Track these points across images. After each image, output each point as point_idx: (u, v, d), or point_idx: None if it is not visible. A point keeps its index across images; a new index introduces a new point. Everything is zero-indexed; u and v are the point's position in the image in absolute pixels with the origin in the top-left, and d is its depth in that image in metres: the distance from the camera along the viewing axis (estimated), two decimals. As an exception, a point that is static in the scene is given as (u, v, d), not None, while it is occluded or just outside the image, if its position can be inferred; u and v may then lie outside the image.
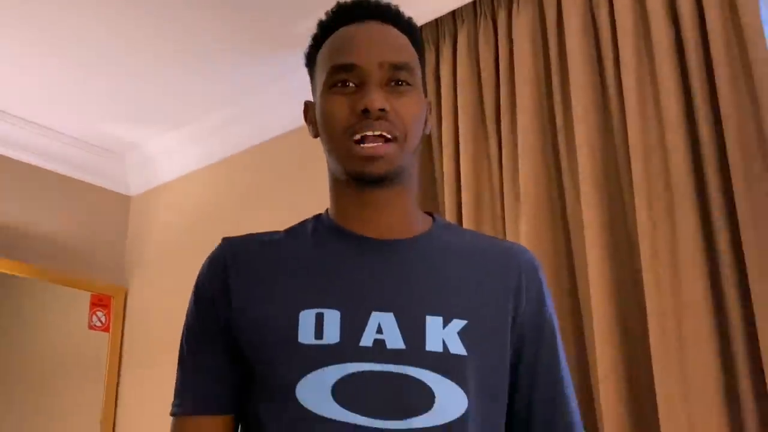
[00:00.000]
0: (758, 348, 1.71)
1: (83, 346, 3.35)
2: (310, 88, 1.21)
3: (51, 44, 2.76)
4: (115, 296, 3.42)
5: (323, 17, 1.14)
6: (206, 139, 3.36)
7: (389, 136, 1.00)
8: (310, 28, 1.19)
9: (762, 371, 1.71)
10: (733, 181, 1.81)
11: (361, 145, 0.99)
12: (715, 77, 1.89)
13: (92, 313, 3.34)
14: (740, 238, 1.78)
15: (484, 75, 2.38)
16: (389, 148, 1.01)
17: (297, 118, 3.11)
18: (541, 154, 2.17)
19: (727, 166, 1.84)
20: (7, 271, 3.10)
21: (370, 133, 0.99)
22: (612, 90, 2.12)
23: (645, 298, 1.88)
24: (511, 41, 2.33)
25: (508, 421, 1.11)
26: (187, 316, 1.13)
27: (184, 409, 1.07)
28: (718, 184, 1.85)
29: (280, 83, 2.99)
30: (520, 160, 2.19)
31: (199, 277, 1.12)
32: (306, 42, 1.20)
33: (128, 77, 2.96)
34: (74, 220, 3.41)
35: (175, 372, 1.11)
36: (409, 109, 1.04)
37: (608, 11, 2.15)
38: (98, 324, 3.33)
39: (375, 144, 1.00)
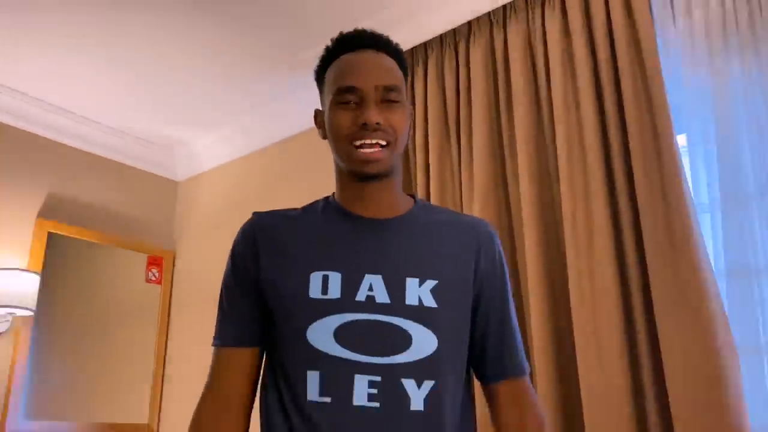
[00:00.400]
0: (651, 299, 1.75)
1: (141, 296, 3.41)
2: (317, 99, 1.22)
3: (121, 65, 2.80)
4: (165, 257, 3.52)
5: (329, 44, 1.15)
6: (237, 137, 3.39)
7: (384, 143, 1.04)
8: (317, 53, 1.20)
9: (653, 314, 1.75)
10: (636, 178, 1.85)
11: (361, 150, 1.03)
12: (623, 95, 1.92)
13: (148, 270, 3.43)
14: (639, 220, 1.82)
15: (447, 94, 2.39)
16: (383, 154, 1.05)
17: (309, 122, 3.17)
18: (490, 156, 2.19)
19: (630, 164, 1.88)
20: (86, 238, 3.21)
21: (368, 141, 1.03)
22: (544, 105, 2.13)
23: (567, 261, 1.94)
24: (468, 68, 2.35)
25: (468, 357, 1.16)
26: (225, 273, 1.16)
27: (223, 342, 1.12)
28: (623, 174, 1.89)
29: (295, 94, 2.98)
30: (474, 160, 2.22)
31: (234, 243, 1.16)
32: (312, 64, 1.23)
33: (176, 90, 3.01)
34: (136, 199, 3.48)
35: (215, 315, 1.16)
36: (398, 122, 1.07)
37: (542, 44, 2.16)
38: (153, 278, 3.43)
39: (372, 150, 1.03)
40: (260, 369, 1.14)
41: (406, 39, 2.41)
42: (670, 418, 1.67)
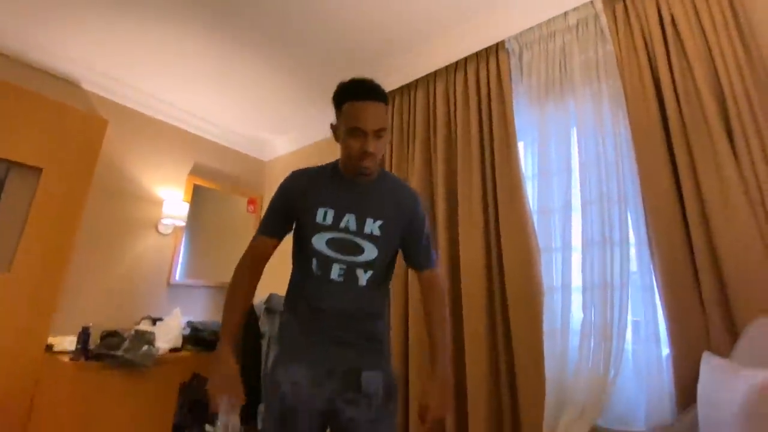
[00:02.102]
0: (499, 228, 1.71)
1: (244, 219, 3.33)
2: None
3: (232, 87, 2.67)
4: (257, 198, 3.42)
5: (345, 84, 1.04)
6: (298, 136, 3.27)
7: (373, 162, 1.03)
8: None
9: (499, 232, 1.71)
10: (496, 164, 1.80)
11: (362, 165, 1.02)
12: (492, 119, 1.86)
13: (248, 205, 3.37)
14: (496, 184, 1.77)
15: (404, 127, 2.27)
16: (372, 168, 1.04)
17: None
18: (423, 165, 2.10)
19: (494, 157, 1.83)
20: (214, 188, 3.13)
21: (366, 162, 1.02)
22: (453, 128, 2.05)
23: (458, 211, 1.88)
24: (415, 109, 2.25)
25: (406, 258, 1.14)
26: (272, 198, 1.13)
27: (261, 232, 1.11)
28: (490, 164, 1.85)
29: (331, 111, 2.92)
30: (415, 165, 2.12)
31: (280, 185, 1.13)
32: None
33: (264, 104, 2.86)
34: (242, 169, 3.40)
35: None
36: (381, 148, 1.04)
37: (453, 94, 2.07)
38: (251, 210, 3.37)
39: (369, 168, 1.02)
40: (274, 250, 1.11)
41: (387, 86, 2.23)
42: (505, 289, 1.65)
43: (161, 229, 2.80)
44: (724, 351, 1.17)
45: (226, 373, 0.92)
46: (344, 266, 1.03)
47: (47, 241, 2.11)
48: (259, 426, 1.92)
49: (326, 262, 1.03)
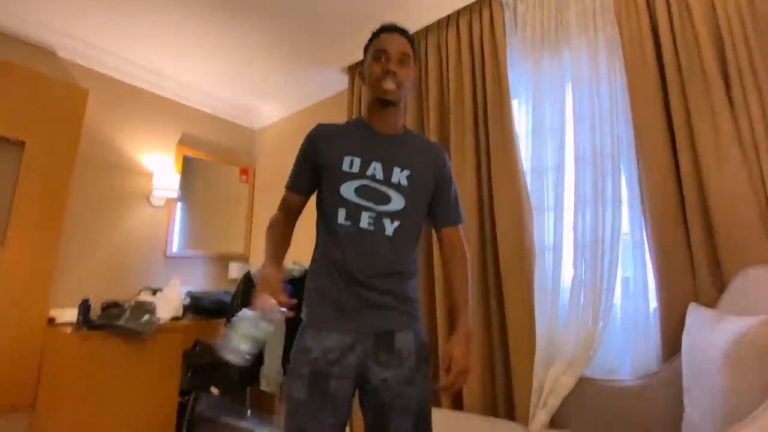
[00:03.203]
0: (491, 187, 1.69)
1: (238, 190, 3.31)
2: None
3: (223, 56, 2.59)
4: (250, 168, 3.38)
5: (374, 30, 1.09)
6: (286, 104, 3.20)
7: (396, 83, 1.02)
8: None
9: (492, 191, 1.69)
10: (489, 119, 1.75)
11: (384, 84, 1.02)
12: (485, 75, 1.81)
13: (241, 175, 3.34)
14: (489, 142, 1.73)
15: (423, 79, 2.08)
16: (394, 88, 1.03)
17: (323, 95, 2.95)
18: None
19: (487, 112, 1.77)
20: (204, 158, 3.09)
21: (389, 81, 1.02)
22: (445, 86, 1.97)
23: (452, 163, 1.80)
24: (428, 69, 2.06)
25: (429, 214, 1.12)
26: (299, 151, 1.10)
27: (289, 187, 1.11)
28: (483, 118, 1.78)
29: (318, 78, 2.74)
30: (430, 115, 1.98)
31: (306, 137, 1.10)
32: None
33: (254, 74, 2.78)
34: (232, 138, 3.35)
35: (278, 200, 1.12)
36: (405, 75, 1.04)
37: (446, 51, 1.98)
38: (243, 180, 3.34)
39: (389, 86, 1.02)
40: (303, 206, 1.13)
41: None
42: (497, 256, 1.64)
43: (153, 201, 2.78)
44: (711, 303, 1.18)
45: (267, 277, 0.94)
46: (373, 214, 1.00)
47: (38, 215, 2.12)
48: (262, 386, 2.00)
49: (356, 210, 1.00)
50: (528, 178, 1.66)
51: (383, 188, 1.03)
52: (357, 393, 0.99)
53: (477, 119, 1.84)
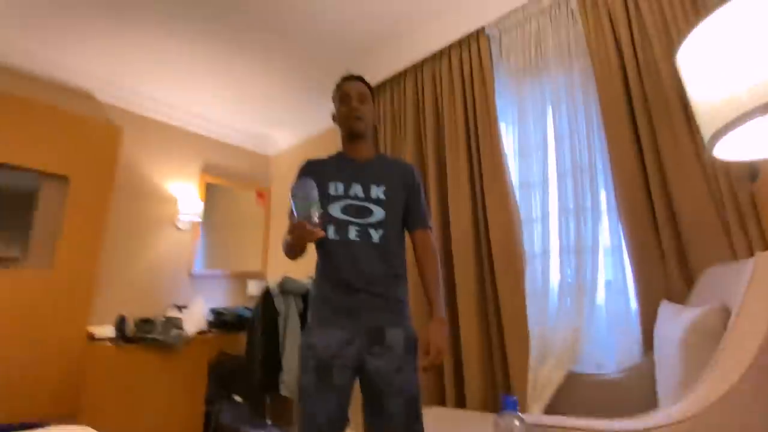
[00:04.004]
0: (485, 201, 1.78)
1: (254, 211, 3.45)
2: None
3: (238, 89, 2.78)
4: (265, 192, 3.53)
5: (339, 81, 1.27)
6: (298, 132, 3.37)
7: (360, 116, 1.18)
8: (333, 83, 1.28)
9: (485, 203, 1.78)
10: (480, 142, 1.88)
11: (353, 123, 1.18)
12: (475, 101, 1.94)
13: (257, 198, 3.49)
14: (481, 163, 1.84)
15: (396, 115, 2.34)
16: (363, 125, 1.19)
17: (332, 124, 3.13)
18: (415, 148, 2.18)
19: (478, 135, 1.88)
20: (225, 184, 3.25)
21: (356, 118, 1.18)
22: (441, 112, 2.11)
23: (447, 181, 1.96)
24: (405, 97, 2.31)
25: (404, 221, 1.23)
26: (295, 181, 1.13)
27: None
28: (475, 141, 1.92)
29: (326, 108, 2.61)
30: (407, 148, 2.18)
31: (299, 171, 1.25)
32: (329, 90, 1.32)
33: (267, 104, 2.95)
34: (249, 164, 3.49)
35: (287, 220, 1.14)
36: (368, 113, 1.20)
37: (440, 81, 2.12)
38: (259, 203, 3.49)
39: (359, 126, 1.18)
40: None
41: (379, 77, 2.43)
42: (491, 257, 1.74)
43: (179, 225, 2.97)
44: (682, 300, 1.29)
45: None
46: (359, 227, 1.12)
47: (80, 241, 2.35)
48: (282, 391, 2.14)
49: (344, 226, 1.12)
50: (517, 192, 1.79)
51: (365, 204, 1.15)
52: (358, 381, 1.12)
53: (469, 141, 1.98)
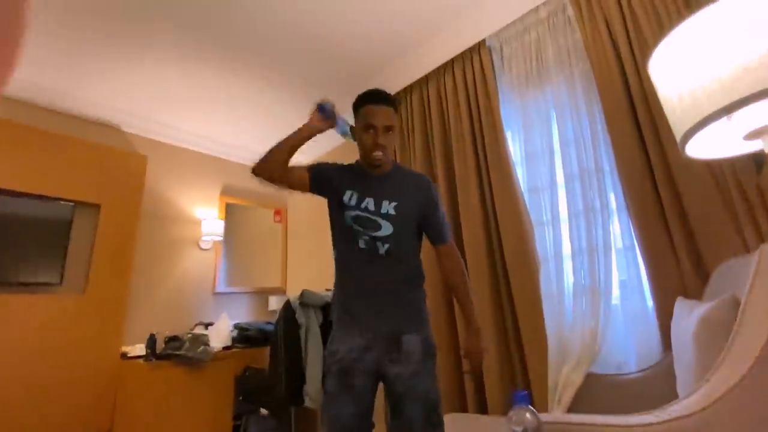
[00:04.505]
0: (494, 205, 1.81)
1: (271, 229, 3.54)
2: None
3: (249, 118, 2.85)
4: (282, 209, 3.61)
5: (363, 93, 1.20)
6: (312, 150, 2.98)
7: (383, 153, 1.16)
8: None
9: (495, 209, 1.81)
10: (487, 151, 1.91)
11: (374, 155, 1.16)
12: (480, 111, 1.96)
13: (275, 216, 3.57)
14: (489, 171, 1.88)
15: (404, 127, 2.41)
16: (383, 158, 1.16)
17: (336, 144, 3.14)
18: (423, 159, 2.24)
19: (485, 143, 1.93)
20: (243, 204, 3.36)
21: (378, 152, 1.15)
22: (447, 123, 2.14)
23: (457, 191, 1.97)
24: (412, 110, 2.40)
25: (426, 235, 1.23)
26: (322, 163, 1.25)
27: (307, 168, 1.24)
28: (482, 150, 1.95)
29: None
30: (416, 159, 2.26)
31: (319, 162, 1.26)
32: (350, 107, 1.25)
33: (283, 127, 2.68)
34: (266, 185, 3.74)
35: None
36: (390, 143, 1.17)
37: (445, 96, 2.18)
38: (278, 220, 3.57)
39: (380, 157, 1.15)
40: (298, 179, 1.21)
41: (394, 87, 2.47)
42: (504, 261, 1.78)
43: (202, 245, 3.10)
44: (698, 296, 1.28)
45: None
46: (367, 238, 1.14)
47: (111, 264, 2.48)
48: (306, 403, 2.19)
49: (354, 235, 1.15)
50: (526, 197, 1.81)
51: (374, 217, 1.16)
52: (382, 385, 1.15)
53: (477, 150, 2.02)
